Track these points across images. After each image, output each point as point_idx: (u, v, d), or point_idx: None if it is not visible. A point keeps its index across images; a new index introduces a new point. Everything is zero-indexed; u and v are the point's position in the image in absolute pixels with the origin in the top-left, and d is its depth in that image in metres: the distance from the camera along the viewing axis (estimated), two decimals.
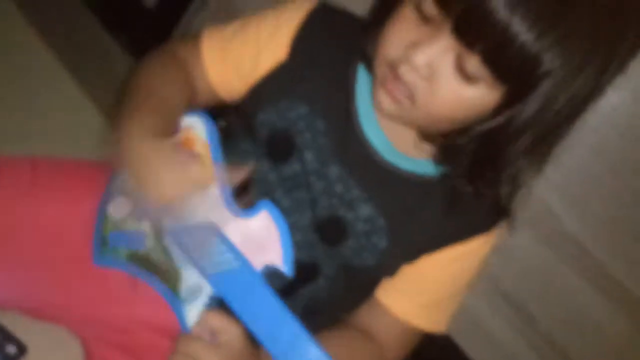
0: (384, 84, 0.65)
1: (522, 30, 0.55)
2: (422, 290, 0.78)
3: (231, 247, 0.67)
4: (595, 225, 0.98)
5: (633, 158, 0.92)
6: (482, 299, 1.09)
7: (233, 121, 0.80)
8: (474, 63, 0.59)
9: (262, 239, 0.67)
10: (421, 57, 0.60)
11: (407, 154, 0.73)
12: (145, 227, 0.71)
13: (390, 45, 0.64)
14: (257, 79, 0.76)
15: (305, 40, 0.74)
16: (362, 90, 0.74)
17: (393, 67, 0.63)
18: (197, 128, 0.71)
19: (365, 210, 0.72)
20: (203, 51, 0.78)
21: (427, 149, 0.72)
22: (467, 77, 0.60)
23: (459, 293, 0.80)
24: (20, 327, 0.75)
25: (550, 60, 0.57)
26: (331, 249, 0.74)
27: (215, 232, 0.67)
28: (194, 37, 0.80)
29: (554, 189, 0.98)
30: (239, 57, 0.77)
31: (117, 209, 0.73)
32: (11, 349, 0.74)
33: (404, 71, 0.62)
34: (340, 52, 0.75)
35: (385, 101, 0.65)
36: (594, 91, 0.62)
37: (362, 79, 0.74)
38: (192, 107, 0.73)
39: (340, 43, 0.75)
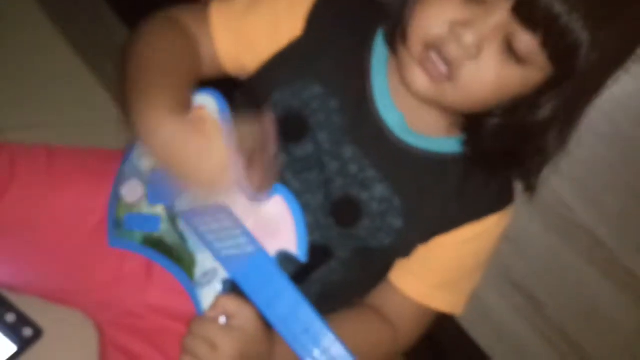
0: (422, 63, 0.64)
1: (578, 29, 0.56)
2: (435, 271, 0.77)
3: (245, 232, 0.67)
4: (608, 215, 0.98)
5: None
6: (492, 288, 1.09)
7: (243, 100, 0.78)
8: (526, 43, 0.59)
9: (276, 224, 0.66)
10: (471, 37, 0.60)
11: (423, 132, 0.72)
12: (160, 210, 0.71)
13: (431, 23, 0.63)
14: (272, 54, 0.75)
15: (321, 16, 0.73)
16: (378, 68, 0.73)
17: (434, 46, 0.62)
18: (209, 107, 0.69)
19: (380, 190, 0.72)
20: (213, 25, 0.75)
21: (443, 127, 0.71)
22: (516, 56, 0.60)
23: (473, 274, 0.80)
24: (36, 310, 0.76)
25: (592, 57, 0.58)
26: (346, 230, 0.73)
27: (229, 216, 0.67)
28: (199, 8, 0.78)
29: (565, 179, 0.98)
30: (253, 35, 0.75)
31: (131, 192, 0.73)
32: (27, 332, 0.74)
33: (451, 50, 0.61)
34: (356, 29, 0.74)
35: (422, 81, 0.64)
36: (617, 72, 0.64)
37: (377, 57, 0.73)
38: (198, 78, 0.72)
39: (356, 20, 0.74)
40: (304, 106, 0.72)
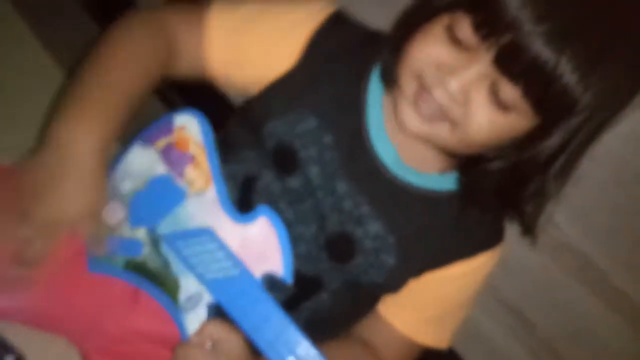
0: (414, 103, 0.64)
1: (567, 71, 0.56)
2: (425, 306, 0.78)
3: (230, 254, 0.66)
4: (598, 234, 0.98)
5: (635, 166, 0.91)
6: (483, 309, 1.09)
7: (237, 127, 0.79)
8: (510, 93, 0.59)
9: (261, 246, 0.66)
10: (456, 84, 0.61)
11: (418, 169, 0.73)
12: (141, 234, 0.70)
13: (420, 64, 0.64)
14: (266, 80, 0.75)
15: (319, 47, 0.74)
16: (373, 103, 0.73)
17: (424, 86, 0.63)
18: (191, 128, 0.70)
19: (375, 227, 0.71)
20: (209, 29, 0.75)
21: (438, 164, 0.72)
22: (501, 104, 0.60)
23: (462, 309, 0.81)
24: (19, 337, 0.75)
25: (586, 99, 0.58)
26: (338, 265, 0.73)
27: (213, 238, 0.66)
28: (194, 7, 0.78)
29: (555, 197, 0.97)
30: (249, 49, 0.75)
31: (111, 215, 0.72)
32: None
33: (437, 94, 0.62)
34: (353, 63, 0.74)
35: (414, 120, 0.65)
36: (616, 119, 0.65)
37: (373, 92, 0.73)
38: (165, 81, 0.73)
39: (353, 54, 0.74)
40: (296, 139, 0.72)
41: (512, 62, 0.58)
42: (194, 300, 0.67)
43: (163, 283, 0.69)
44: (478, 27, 0.59)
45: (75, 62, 0.72)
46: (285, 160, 0.73)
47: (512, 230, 0.78)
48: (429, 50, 0.63)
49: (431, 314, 0.79)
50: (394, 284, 0.76)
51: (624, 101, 0.63)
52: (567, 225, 0.99)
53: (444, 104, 0.62)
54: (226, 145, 0.76)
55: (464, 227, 0.74)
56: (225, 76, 0.77)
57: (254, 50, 0.75)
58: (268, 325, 0.64)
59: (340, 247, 0.72)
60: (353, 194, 0.71)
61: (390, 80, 0.69)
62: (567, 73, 0.56)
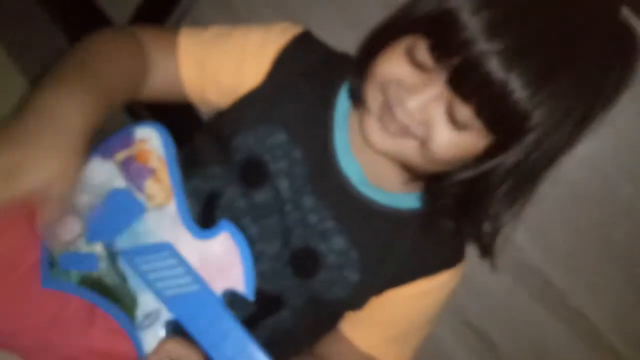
0: (379, 118, 0.66)
1: (517, 88, 0.57)
2: (386, 324, 0.78)
3: (189, 270, 0.65)
4: (557, 255, 0.99)
5: (592, 188, 0.93)
6: (446, 327, 1.09)
7: (204, 142, 0.79)
8: (464, 112, 0.61)
9: (222, 262, 0.65)
10: (414, 103, 0.62)
11: (381, 186, 0.73)
12: (98, 248, 0.69)
13: (383, 77, 0.65)
14: (236, 96, 0.75)
15: (287, 64, 0.74)
16: (340, 121, 0.74)
17: (387, 103, 0.64)
18: (151, 141, 0.68)
19: (339, 242, 0.72)
20: (180, 52, 0.76)
21: (401, 182, 0.72)
22: (457, 124, 0.62)
23: (423, 328, 0.81)
24: None
25: (538, 116, 0.59)
26: (302, 281, 0.73)
27: (172, 254, 0.66)
28: (165, 31, 0.79)
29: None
30: (218, 72, 0.75)
31: (67, 230, 0.70)
32: None
33: (399, 113, 0.63)
34: (320, 82, 0.75)
35: (378, 134, 0.66)
36: (571, 141, 0.65)
37: (340, 110, 0.74)
38: (135, 98, 0.72)
39: (320, 73, 0.75)
40: (266, 152, 0.72)
41: (463, 83, 0.59)
42: (152, 317, 0.66)
43: (120, 299, 0.67)
44: (433, 49, 0.61)
45: (39, 68, 0.71)
46: (253, 173, 0.73)
47: (475, 251, 0.78)
48: (391, 69, 0.65)
49: (393, 332, 0.79)
50: (357, 300, 0.76)
51: (578, 123, 0.63)
52: (527, 247, 1.00)
53: (404, 122, 0.63)
54: (191, 161, 0.77)
55: (426, 245, 0.74)
56: (201, 96, 0.78)
57: (224, 69, 0.75)
58: (228, 342, 0.63)
59: (304, 262, 0.72)
60: (319, 209, 0.72)
61: (357, 97, 0.70)
62: (518, 90, 0.57)
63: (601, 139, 0.90)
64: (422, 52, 0.62)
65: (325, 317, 0.78)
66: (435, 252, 0.75)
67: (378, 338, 0.78)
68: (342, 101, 0.74)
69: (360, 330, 0.78)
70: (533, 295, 1.03)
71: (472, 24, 0.58)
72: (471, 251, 0.79)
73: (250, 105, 0.74)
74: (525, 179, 0.66)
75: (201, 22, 1.20)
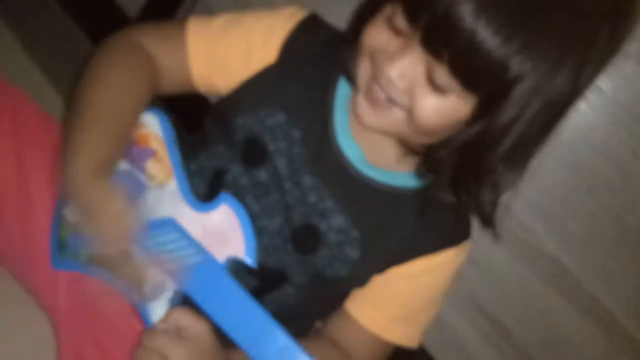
0: (366, 93, 0.66)
1: (487, 37, 0.56)
2: (392, 303, 0.78)
3: (192, 242, 0.67)
4: (572, 242, 0.99)
5: (608, 177, 0.93)
6: (459, 314, 1.09)
7: (211, 122, 0.80)
8: (442, 74, 0.60)
9: (223, 231, 0.67)
10: (394, 70, 0.62)
11: (382, 166, 0.74)
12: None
13: (369, 47, 0.65)
14: (242, 79, 0.76)
15: (293, 48, 0.75)
16: (340, 103, 0.75)
17: (373, 76, 0.65)
18: (151, 125, 0.71)
19: (339, 220, 0.72)
20: (188, 44, 0.77)
21: (402, 161, 0.73)
22: (437, 88, 0.61)
23: (430, 307, 0.80)
24: None
25: (518, 65, 0.57)
26: (303, 257, 0.74)
27: (175, 227, 0.67)
28: (171, 25, 0.80)
29: (531, 206, 0.99)
30: (227, 59, 0.76)
31: (75, 212, 0.72)
32: None
33: (383, 82, 0.63)
34: (324, 64, 0.76)
35: (365, 108, 0.67)
36: (570, 95, 0.63)
37: (341, 93, 0.75)
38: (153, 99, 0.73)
39: (324, 56, 0.76)
40: (266, 132, 0.73)
41: (434, 38, 0.59)
42: (158, 288, 0.68)
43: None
44: (406, 12, 0.61)
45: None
46: (253, 153, 0.74)
47: (489, 237, 0.78)
48: (373, 39, 0.65)
49: (399, 311, 0.78)
50: (359, 277, 0.76)
51: (572, 77, 0.61)
52: (542, 234, 1.00)
53: (388, 91, 0.63)
54: (200, 141, 0.78)
55: (428, 223, 0.74)
56: (210, 85, 0.79)
57: (232, 56, 0.76)
58: (233, 309, 0.65)
59: (305, 238, 0.73)
60: (318, 189, 0.73)
61: (349, 73, 0.71)
62: (488, 38, 0.56)
63: (616, 125, 0.91)
64: (400, 18, 0.61)
65: (329, 294, 0.79)
66: (438, 230, 0.75)
67: (384, 316, 0.78)
68: (344, 83, 0.75)
69: (366, 309, 0.78)
70: (548, 282, 1.03)
71: None
72: (484, 238, 0.79)
73: (252, 88, 0.76)
74: (523, 140, 0.63)
75: (212, 10, 1.20)
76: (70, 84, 0.74)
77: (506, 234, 0.99)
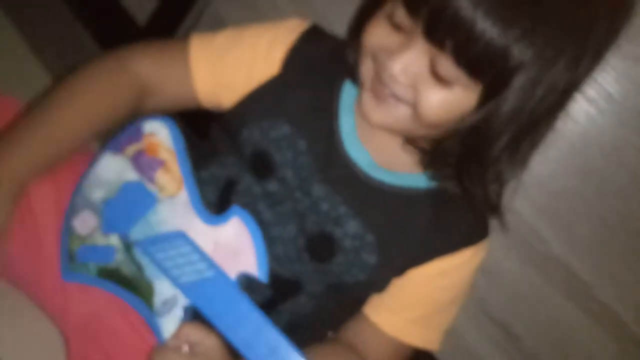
0: (371, 89, 0.67)
1: (487, 26, 0.57)
2: (410, 306, 0.77)
3: (203, 256, 0.66)
4: (582, 247, 0.98)
5: (617, 180, 0.92)
6: (469, 321, 1.09)
7: (218, 133, 0.80)
8: (446, 65, 0.60)
9: (235, 246, 0.66)
10: (396, 65, 0.62)
11: (391, 168, 0.73)
12: (114, 240, 0.71)
13: (371, 47, 0.66)
14: (246, 92, 0.76)
15: (295, 60, 0.76)
16: (345, 108, 0.74)
17: (376, 74, 0.65)
18: (160, 133, 0.71)
19: (353, 226, 0.72)
20: (191, 63, 0.77)
21: (411, 162, 0.72)
22: (442, 80, 0.62)
23: (448, 308, 0.80)
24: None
25: (519, 53, 0.58)
26: (320, 265, 0.73)
27: (186, 241, 0.67)
28: (173, 43, 0.80)
29: (540, 211, 0.98)
30: (232, 74, 0.77)
31: (83, 224, 0.72)
32: None
33: (384, 78, 0.64)
34: (326, 73, 0.76)
35: (371, 105, 0.67)
36: (572, 82, 0.63)
37: (345, 98, 0.75)
38: (137, 115, 0.74)
39: (327, 65, 0.76)
40: (271, 145, 0.73)
41: (435, 29, 0.59)
42: (169, 304, 0.67)
43: (137, 288, 0.69)
44: (407, 6, 0.61)
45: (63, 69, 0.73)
46: (261, 165, 0.74)
47: (498, 243, 0.78)
48: (374, 37, 0.65)
49: (418, 313, 0.78)
50: (378, 282, 0.76)
51: (575, 58, 0.61)
52: (551, 239, 0.99)
53: (392, 87, 0.64)
54: (209, 150, 0.78)
55: (444, 223, 0.74)
56: (215, 101, 0.79)
57: (238, 72, 0.77)
58: (245, 325, 0.64)
59: (320, 246, 0.73)
60: (329, 196, 0.72)
61: (353, 73, 0.71)
62: (488, 28, 0.56)
63: (625, 129, 0.90)
64: (400, 13, 0.62)
65: (347, 301, 0.78)
66: (455, 229, 0.74)
67: (403, 320, 0.77)
68: (348, 89, 0.75)
69: (385, 313, 0.78)
70: (558, 288, 1.02)
71: None
72: (495, 244, 0.79)
73: (256, 101, 0.76)
74: (526, 128, 0.64)
75: (221, 16, 1.21)
76: None
77: (515, 239, 0.99)
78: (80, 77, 0.75)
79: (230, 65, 0.77)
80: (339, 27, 0.79)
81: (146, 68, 0.76)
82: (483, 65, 0.59)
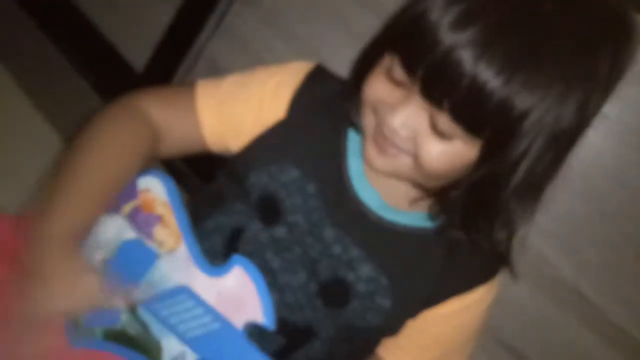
0: (374, 140, 0.67)
1: (489, 78, 0.56)
2: (426, 347, 0.77)
3: (208, 309, 0.66)
4: (590, 270, 0.97)
5: (621, 201, 0.92)
6: (482, 350, 1.07)
7: (225, 180, 0.80)
8: (445, 121, 0.60)
9: (239, 296, 0.66)
10: (396, 120, 0.62)
11: (401, 208, 0.73)
12: (118, 302, 0.70)
13: (371, 100, 0.66)
14: (253, 136, 0.76)
15: (302, 102, 0.75)
16: (353, 150, 0.74)
17: (377, 125, 0.65)
18: (154, 189, 0.70)
19: (367, 269, 0.71)
20: (199, 108, 0.77)
21: (419, 201, 0.72)
22: (442, 135, 0.61)
23: (464, 347, 0.79)
24: None
25: (522, 102, 0.57)
26: (333, 311, 0.72)
27: (190, 295, 0.66)
28: (179, 89, 0.80)
29: (547, 237, 0.98)
30: (239, 119, 0.77)
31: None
32: None
33: (385, 131, 0.64)
34: (332, 114, 0.76)
35: (374, 155, 0.67)
36: (579, 125, 0.62)
37: (352, 140, 0.75)
38: (152, 161, 0.74)
39: (332, 106, 0.76)
40: (280, 189, 0.73)
41: (432, 88, 0.59)
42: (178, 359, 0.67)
43: (145, 348, 0.68)
44: (403, 64, 0.61)
45: (70, 126, 0.72)
46: (269, 210, 0.73)
47: (508, 272, 0.77)
48: (374, 91, 0.65)
49: (433, 354, 0.77)
50: (392, 326, 0.75)
51: (582, 101, 0.60)
52: (560, 263, 0.99)
53: (392, 139, 0.64)
54: (214, 198, 0.77)
55: (457, 262, 0.73)
56: (223, 146, 0.79)
57: (244, 116, 0.77)
58: None
59: (334, 292, 0.72)
60: (341, 239, 0.72)
61: (356, 123, 0.71)
62: (490, 79, 0.56)
63: (626, 150, 0.90)
64: (398, 69, 0.62)
65: (360, 344, 0.77)
66: (468, 267, 0.74)
67: None
68: (355, 131, 0.75)
69: (399, 355, 0.77)
70: (569, 312, 1.01)
71: (442, 21, 0.57)
72: (506, 272, 0.78)
73: (264, 145, 0.76)
74: (532, 176, 0.62)
75: (216, 59, 1.22)
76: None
77: (523, 265, 0.98)
78: (98, 132, 0.73)
79: (238, 111, 0.77)
80: (334, 66, 0.79)
81: (155, 113, 0.76)
82: (483, 121, 0.59)
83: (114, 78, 1.41)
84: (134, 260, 0.69)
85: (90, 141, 0.72)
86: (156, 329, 0.68)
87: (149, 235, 0.70)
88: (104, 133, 0.72)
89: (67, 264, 0.63)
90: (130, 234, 0.71)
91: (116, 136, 0.72)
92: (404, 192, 0.72)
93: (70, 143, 0.72)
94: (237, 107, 0.77)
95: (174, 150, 0.78)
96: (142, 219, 0.70)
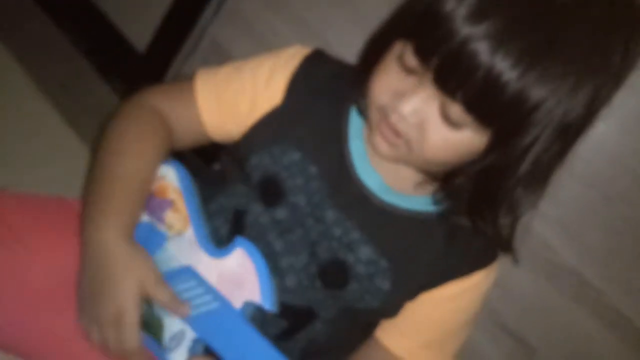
0: (378, 129, 0.66)
1: (505, 70, 0.56)
2: (423, 329, 0.77)
3: (208, 288, 0.67)
4: (592, 254, 0.98)
5: (624, 187, 0.92)
6: (483, 333, 1.08)
7: (227, 162, 0.80)
8: (456, 110, 0.60)
9: (239, 276, 0.66)
10: (407, 107, 0.62)
11: (403, 192, 0.73)
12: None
13: (379, 93, 0.66)
14: (253, 122, 0.76)
15: (300, 85, 0.75)
16: (355, 132, 0.74)
17: (385, 114, 0.65)
18: (169, 177, 0.72)
19: (366, 252, 0.71)
20: (197, 97, 0.78)
21: (423, 186, 0.72)
22: (452, 123, 0.61)
23: (461, 331, 0.80)
24: None
25: (537, 93, 0.57)
26: (333, 292, 0.73)
27: (192, 275, 0.67)
28: (182, 83, 0.81)
29: (549, 221, 0.98)
30: (235, 104, 0.77)
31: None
32: None
33: (394, 120, 0.63)
34: (333, 97, 0.75)
35: (382, 145, 0.67)
36: (587, 117, 0.62)
37: (354, 122, 0.75)
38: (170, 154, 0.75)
39: (333, 89, 0.76)
40: (282, 170, 0.73)
41: (447, 79, 0.59)
42: (177, 338, 0.68)
43: (147, 325, 0.68)
44: (417, 51, 0.61)
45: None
46: (271, 191, 0.73)
47: (509, 256, 0.77)
48: (385, 82, 0.65)
49: (430, 337, 0.78)
50: (391, 308, 0.75)
51: (592, 93, 0.60)
52: (561, 248, 0.99)
53: (399, 128, 0.64)
54: (218, 181, 0.78)
55: (457, 246, 0.73)
56: (224, 134, 0.79)
57: (240, 101, 0.77)
58: (252, 355, 0.64)
59: (333, 273, 0.72)
60: (342, 221, 0.72)
61: (363, 111, 0.71)
62: (506, 71, 0.56)
63: (631, 136, 0.90)
64: (410, 56, 0.61)
65: (359, 326, 0.78)
66: (467, 252, 0.74)
67: (415, 343, 0.77)
68: (356, 114, 0.75)
69: (397, 337, 0.78)
70: (570, 297, 1.02)
71: (457, 12, 0.57)
72: (506, 257, 0.78)
73: (264, 128, 0.76)
74: (540, 164, 0.63)
75: (219, 42, 1.21)
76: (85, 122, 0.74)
77: (525, 250, 0.98)
78: (127, 135, 0.75)
79: (232, 97, 0.77)
80: (338, 49, 0.79)
81: (166, 111, 0.77)
82: (496, 112, 0.59)
83: (116, 59, 1.40)
84: (144, 242, 0.70)
85: (121, 144, 0.74)
86: (158, 306, 0.68)
87: (160, 218, 0.71)
88: (133, 136, 0.74)
89: (135, 262, 0.67)
90: (143, 217, 0.73)
91: (145, 140, 0.74)
92: (408, 176, 0.72)
93: (99, 145, 0.74)
94: (232, 93, 0.77)
95: (182, 143, 0.79)
96: (155, 204, 0.72)
